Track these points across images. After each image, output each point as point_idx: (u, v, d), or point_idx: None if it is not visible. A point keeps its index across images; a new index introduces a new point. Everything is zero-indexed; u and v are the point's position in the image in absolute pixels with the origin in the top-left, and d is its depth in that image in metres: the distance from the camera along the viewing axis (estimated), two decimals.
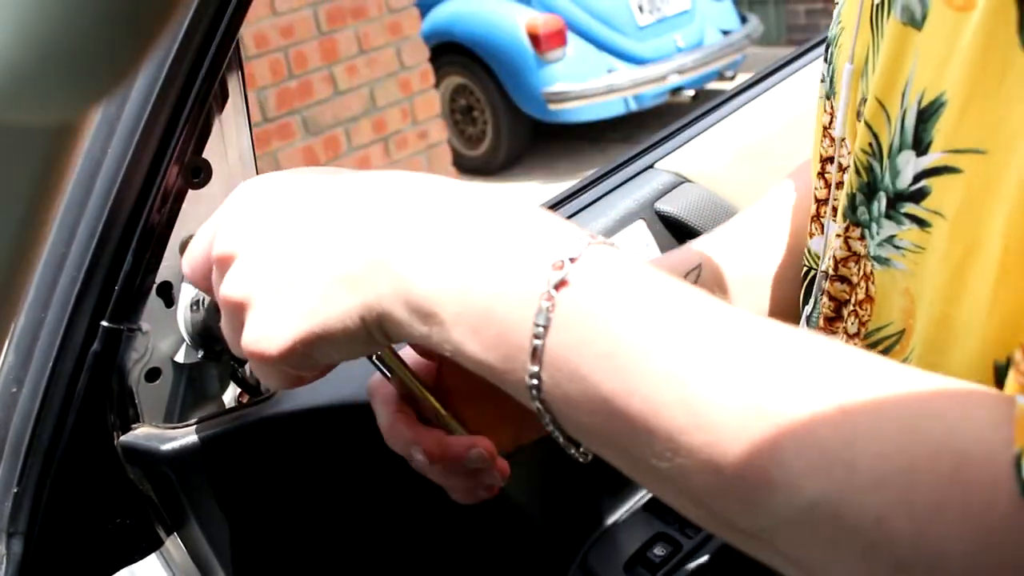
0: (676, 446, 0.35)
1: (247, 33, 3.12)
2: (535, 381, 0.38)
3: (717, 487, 0.35)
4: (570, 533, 0.89)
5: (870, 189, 0.48)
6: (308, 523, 0.71)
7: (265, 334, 0.44)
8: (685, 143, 1.03)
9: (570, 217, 0.92)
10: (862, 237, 0.49)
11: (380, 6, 3.63)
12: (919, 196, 0.43)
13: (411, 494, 0.78)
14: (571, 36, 4.89)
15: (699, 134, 1.04)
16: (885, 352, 0.47)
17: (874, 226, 0.47)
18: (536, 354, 0.37)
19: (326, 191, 0.45)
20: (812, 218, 0.59)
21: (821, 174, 0.58)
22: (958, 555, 0.31)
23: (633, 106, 4.91)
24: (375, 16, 3.62)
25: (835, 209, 0.56)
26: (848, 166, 0.52)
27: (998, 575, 0.31)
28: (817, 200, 0.58)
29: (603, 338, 0.36)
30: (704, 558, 0.86)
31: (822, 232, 0.58)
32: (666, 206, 0.94)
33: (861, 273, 0.49)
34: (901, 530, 0.32)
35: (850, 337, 0.50)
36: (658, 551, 0.87)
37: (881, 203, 0.46)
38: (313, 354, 0.44)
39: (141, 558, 0.67)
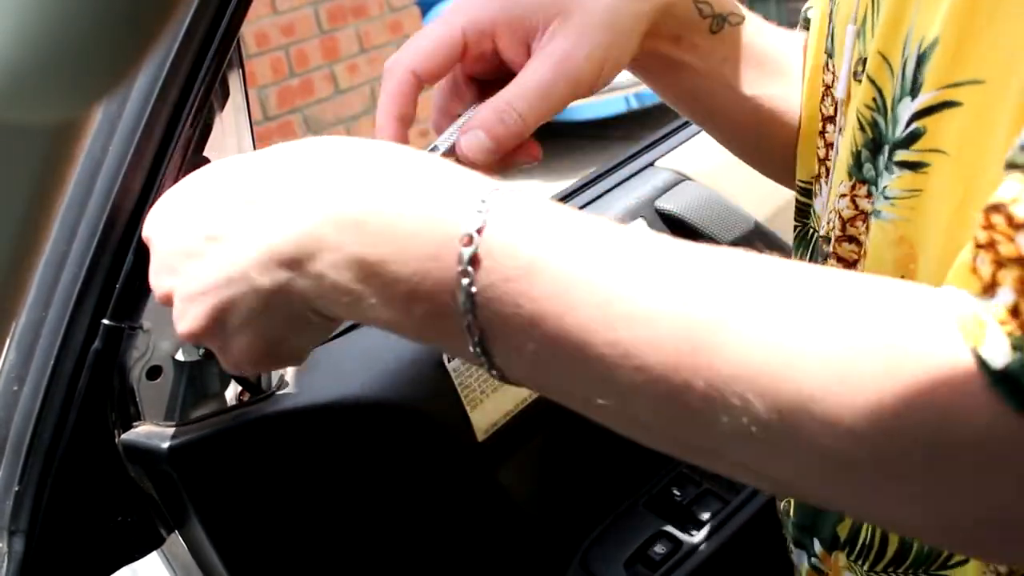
0: (613, 377, 0.36)
1: (248, 31, 3.12)
2: (478, 350, 0.39)
3: (665, 411, 0.36)
4: (570, 531, 0.89)
5: (875, 144, 0.48)
6: (309, 520, 0.71)
7: (182, 315, 0.45)
8: (685, 141, 1.03)
9: None
10: (869, 195, 0.49)
11: (381, 5, 3.63)
12: (911, 140, 0.44)
13: (412, 492, 0.78)
14: None
15: (699, 132, 1.04)
16: None
17: (880, 181, 0.47)
18: (473, 324, 0.38)
19: (227, 172, 0.45)
20: (815, 178, 0.59)
21: (822, 133, 0.58)
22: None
23: (634, 104, 4.90)
24: (376, 15, 3.61)
25: (827, 170, 0.56)
26: (843, 126, 0.53)
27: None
28: (819, 160, 0.59)
29: (529, 284, 0.37)
30: (704, 556, 0.86)
31: (821, 193, 0.58)
32: (666, 204, 0.94)
33: (869, 231, 0.49)
34: (841, 428, 0.33)
35: None
36: (659, 549, 0.87)
37: (886, 156, 0.46)
38: (225, 328, 0.45)
39: (142, 556, 0.67)
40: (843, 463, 0.34)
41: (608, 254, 0.37)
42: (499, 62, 0.55)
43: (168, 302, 0.46)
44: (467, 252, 0.37)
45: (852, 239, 0.51)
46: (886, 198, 0.46)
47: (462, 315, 0.38)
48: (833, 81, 0.56)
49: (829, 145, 0.57)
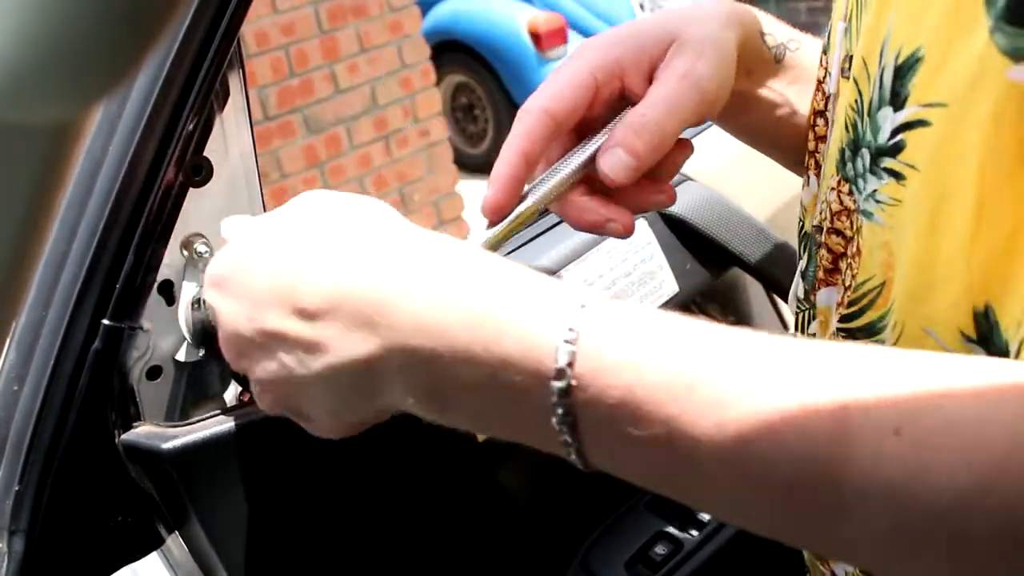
0: (728, 489, 0.35)
1: (248, 31, 3.12)
2: (577, 459, 0.37)
3: (781, 520, 0.35)
4: (570, 532, 0.89)
5: (855, 145, 0.48)
6: (309, 521, 0.71)
7: (259, 396, 0.47)
8: None
9: None
10: (850, 192, 0.50)
11: (381, 4, 3.62)
12: (896, 150, 0.44)
13: (412, 493, 0.78)
14: (572, 35, 4.88)
15: (699, 132, 1.04)
16: (868, 307, 0.48)
17: (860, 181, 0.48)
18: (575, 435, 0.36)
19: (284, 254, 0.43)
20: (806, 168, 0.60)
21: (813, 127, 0.58)
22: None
23: None
24: (376, 15, 3.61)
25: (818, 163, 0.57)
26: (833, 121, 0.53)
27: None
28: (809, 152, 0.59)
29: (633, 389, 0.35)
30: (706, 557, 0.86)
31: (810, 184, 0.59)
32: None
33: (853, 227, 0.50)
34: (971, 545, 0.32)
35: (845, 289, 0.51)
36: (659, 550, 0.87)
37: (865, 159, 0.47)
38: (302, 413, 0.46)
39: (142, 556, 0.67)
40: (969, 570, 0.33)
41: (715, 369, 0.35)
42: (618, 106, 0.55)
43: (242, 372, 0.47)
44: (559, 385, 0.35)
45: (838, 232, 0.52)
46: (877, 201, 0.46)
47: (557, 433, 0.37)
48: (825, 76, 0.57)
49: (820, 138, 0.57)
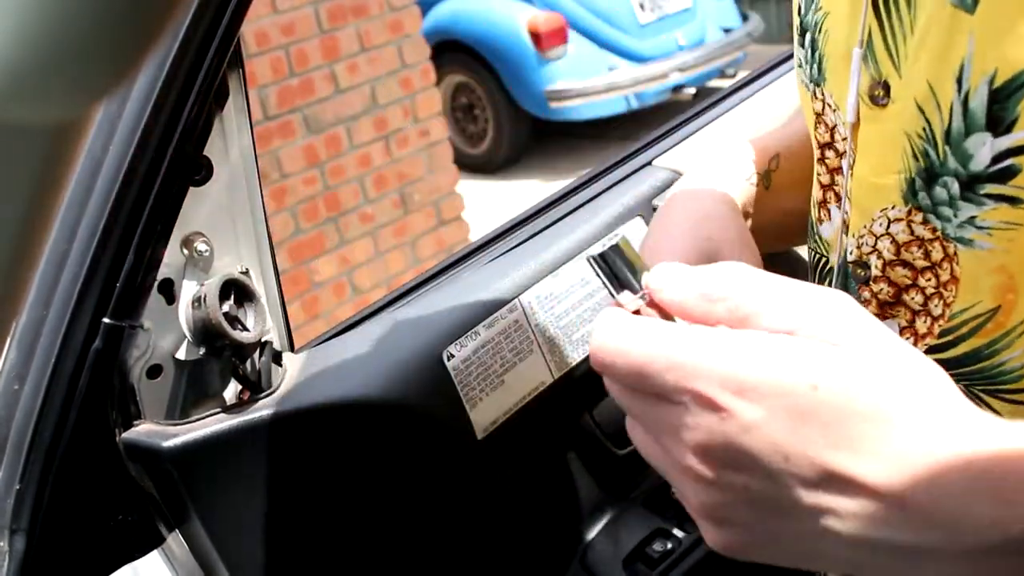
0: None
1: (248, 31, 3.12)
2: None
3: None
4: (569, 530, 0.89)
5: (929, 174, 0.48)
6: (309, 519, 0.71)
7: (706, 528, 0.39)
8: (683, 140, 1.03)
9: (569, 214, 0.92)
10: (925, 222, 0.49)
11: (381, 4, 3.62)
12: (1005, 175, 0.43)
13: (413, 492, 0.78)
14: (572, 34, 4.88)
15: (697, 131, 1.04)
16: (976, 330, 0.48)
17: (945, 209, 0.47)
18: None
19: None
20: (819, 204, 0.59)
21: (822, 160, 0.58)
22: None
23: (634, 104, 4.90)
24: (376, 14, 3.61)
25: (838, 195, 0.56)
26: (850, 150, 0.52)
27: None
28: (822, 186, 0.58)
29: None
30: (703, 553, 0.86)
31: (831, 218, 0.58)
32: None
33: (940, 255, 0.49)
34: None
35: (933, 320, 0.51)
36: (657, 547, 0.87)
37: (951, 187, 0.46)
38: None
39: (143, 555, 0.67)
40: None
41: None
42: None
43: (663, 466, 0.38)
44: None
45: (906, 264, 0.51)
46: (978, 228, 0.46)
47: None
48: (823, 108, 0.56)
49: (834, 171, 0.56)
